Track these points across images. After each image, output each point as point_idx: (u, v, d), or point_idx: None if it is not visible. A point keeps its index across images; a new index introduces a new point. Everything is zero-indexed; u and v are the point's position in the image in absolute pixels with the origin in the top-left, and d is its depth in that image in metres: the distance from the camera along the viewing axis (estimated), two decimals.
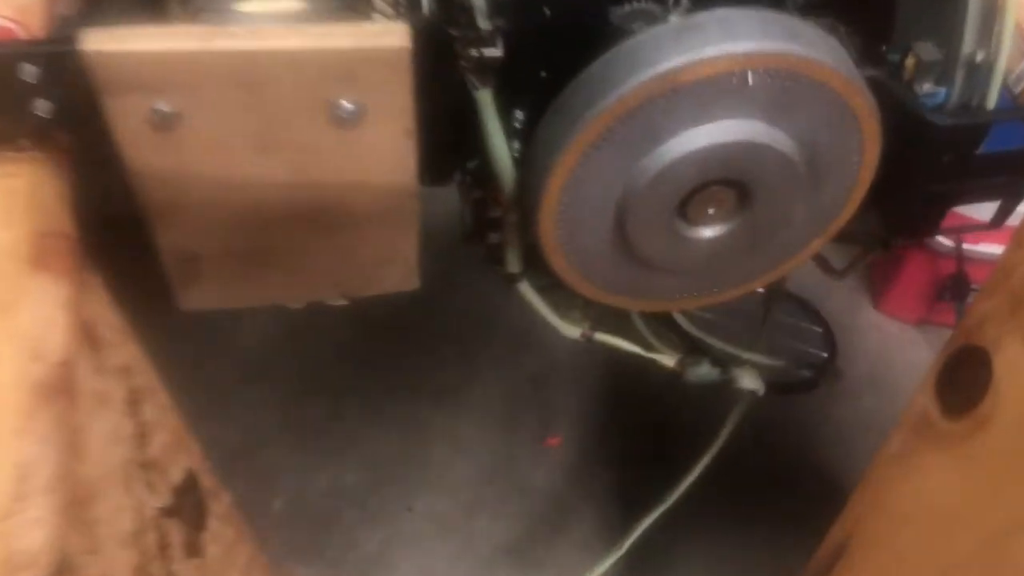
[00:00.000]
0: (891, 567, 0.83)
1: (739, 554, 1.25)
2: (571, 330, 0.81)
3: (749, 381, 0.90)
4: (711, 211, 0.66)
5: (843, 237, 0.96)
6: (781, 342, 1.48)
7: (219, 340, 1.41)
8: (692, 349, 0.87)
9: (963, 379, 0.75)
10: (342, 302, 0.68)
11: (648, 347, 0.85)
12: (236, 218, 0.61)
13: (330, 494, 1.28)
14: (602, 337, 0.82)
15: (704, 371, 0.85)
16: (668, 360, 0.85)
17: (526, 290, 0.78)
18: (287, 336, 1.44)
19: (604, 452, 1.36)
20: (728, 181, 0.64)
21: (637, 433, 1.37)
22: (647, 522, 1.07)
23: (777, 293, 1.00)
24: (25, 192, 0.52)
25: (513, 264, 0.75)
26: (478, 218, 0.71)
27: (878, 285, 1.56)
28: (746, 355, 0.95)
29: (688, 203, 0.65)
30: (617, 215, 0.65)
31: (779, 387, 1.48)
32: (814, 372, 1.47)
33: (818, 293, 1.58)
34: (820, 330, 1.51)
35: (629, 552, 1.22)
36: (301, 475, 1.29)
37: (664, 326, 0.93)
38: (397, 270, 0.66)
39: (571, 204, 0.63)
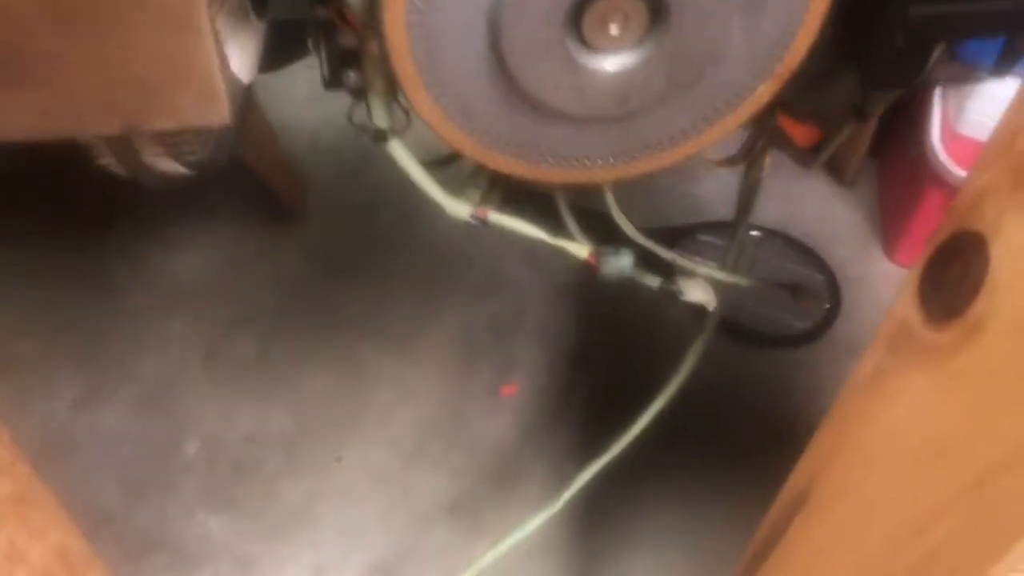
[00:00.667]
0: (859, 517, 0.67)
1: (694, 516, 1.10)
2: (459, 208, 0.67)
3: (698, 293, 0.74)
4: (614, 30, 0.51)
5: (810, 114, 0.80)
6: (778, 291, 1.32)
7: (149, 268, 1.29)
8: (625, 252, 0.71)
9: (952, 277, 0.58)
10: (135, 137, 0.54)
11: (560, 236, 0.70)
12: None
13: (252, 439, 1.14)
14: (498, 219, 0.67)
15: (624, 263, 0.69)
16: (580, 250, 0.70)
17: (398, 151, 0.63)
18: (225, 267, 1.31)
19: (564, 407, 1.20)
20: None
21: (602, 390, 1.22)
22: (587, 475, 0.92)
23: (749, 194, 0.84)
24: None
25: (379, 114, 0.60)
26: (330, 52, 0.56)
27: (890, 232, 1.39)
28: (701, 269, 0.79)
29: (582, 16, 0.50)
30: (489, 28, 0.49)
31: (772, 340, 1.32)
32: (813, 325, 1.31)
33: (824, 241, 1.42)
34: (823, 278, 1.35)
35: (578, 509, 1.07)
36: (221, 417, 1.15)
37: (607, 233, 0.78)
38: (191, 94, 0.52)
39: (425, 9, 0.48)
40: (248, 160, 1.24)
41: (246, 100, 0.72)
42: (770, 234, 1.42)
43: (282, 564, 1.05)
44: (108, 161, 0.61)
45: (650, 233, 0.79)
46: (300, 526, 1.08)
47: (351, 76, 0.59)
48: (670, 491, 1.12)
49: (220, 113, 0.54)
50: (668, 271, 0.82)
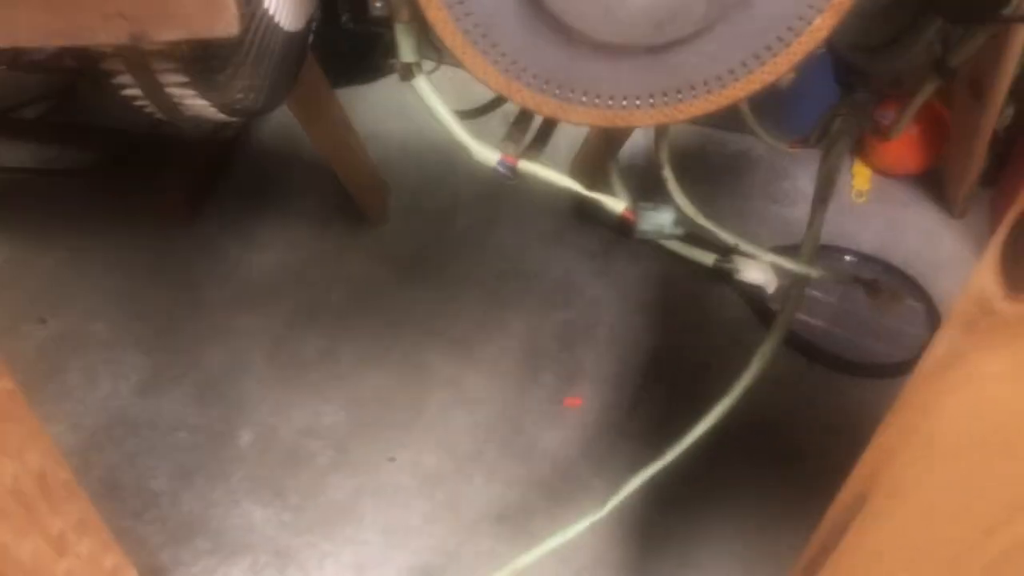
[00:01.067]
0: (921, 518, 0.59)
1: (754, 533, 1.01)
2: (488, 154, 0.63)
3: (755, 273, 0.68)
4: None
5: (889, 78, 0.73)
6: (877, 320, 1.22)
7: (226, 263, 1.30)
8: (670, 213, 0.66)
9: None
10: (135, 45, 0.52)
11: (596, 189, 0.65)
12: None
13: (306, 433, 1.12)
14: (528, 167, 0.63)
15: (663, 220, 0.64)
16: (617, 204, 0.65)
17: (424, 87, 0.60)
18: (299, 266, 1.31)
19: (629, 423, 1.14)
20: None
21: (670, 407, 1.15)
22: (636, 482, 0.86)
23: (827, 182, 0.77)
24: None
25: (405, 47, 0.58)
26: None
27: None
28: (766, 254, 0.73)
29: None
30: None
31: (863, 368, 1.22)
32: (910, 355, 1.20)
33: (927, 271, 1.31)
34: (922, 307, 1.24)
35: (633, 527, 1.00)
36: (278, 410, 1.14)
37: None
38: (200, 1, 0.50)
39: None
40: (331, 164, 1.25)
41: (295, 51, 0.71)
42: (868, 259, 1.33)
43: (322, 560, 1.02)
44: (134, 92, 0.60)
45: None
46: (344, 523, 1.05)
47: (377, 5, 0.56)
48: (729, 509, 1.04)
49: (228, 24, 0.52)
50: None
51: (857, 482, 0.67)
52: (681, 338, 1.24)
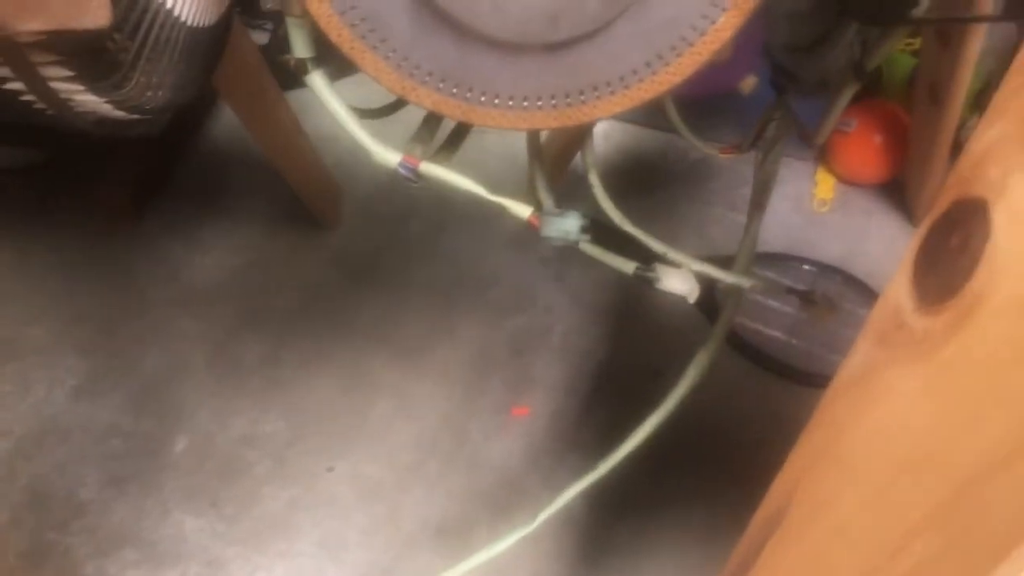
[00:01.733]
0: (833, 538, 0.56)
1: (687, 543, 0.99)
2: (388, 156, 0.60)
3: (676, 283, 0.65)
4: None
5: (814, 82, 0.71)
6: (829, 329, 1.20)
7: (169, 266, 1.27)
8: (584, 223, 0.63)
9: (950, 252, 0.49)
10: None
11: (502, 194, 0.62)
12: None
13: (243, 441, 1.09)
14: (431, 169, 0.61)
15: (567, 227, 0.61)
16: (522, 210, 0.62)
17: (319, 84, 0.57)
18: (245, 269, 1.28)
19: (579, 433, 1.11)
20: None
21: (621, 416, 1.11)
22: (567, 496, 0.83)
23: (763, 188, 0.75)
24: None
25: (298, 41, 0.55)
26: None
27: None
28: (695, 264, 0.70)
29: None
30: None
31: (819, 379, 1.20)
32: None
33: (888, 281, 1.29)
34: None
35: (570, 538, 0.97)
36: (216, 417, 1.11)
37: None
38: None
39: None
40: (279, 167, 1.22)
41: (203, 46, 0.69)
42: (827, 270, 1.31)
43: (253, 572, 0.99)
44: (17, 87, 0.58)
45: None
46: (279, 535, 1.02)
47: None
48: (676, 521, 1.01)
49: (96, 15, 0.50)
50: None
51: (776, 496, 0.64)
52: (635, 345, 1.21)
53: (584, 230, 0.62)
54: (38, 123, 0.66)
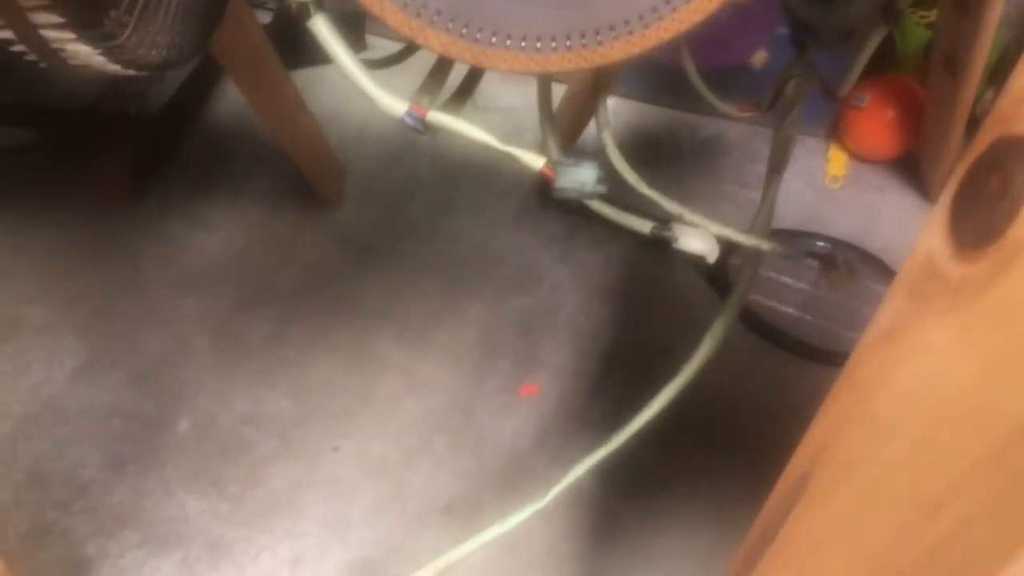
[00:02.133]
0: (863, 501, 0.54)
1: (696, 521, 0.96)
2: (395, 105, 0.58)
3: (695, 242, 0.63)
4: None
5: (838, 32, 0.69)
6: (849, 307, 1.18)
7: (171, 245, 1.25)
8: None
9: (989, 196, 0.46)
10: None
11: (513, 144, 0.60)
12: None
13: (247, 420, 1.07)
14: (439, 118, 0.58)
15: (584, 177, 0.59)
16: (535, 160, 0.60)
17: (321, 29, 0.55)
18: (249, 248, 1.25)
19: (588, 412, 1.09)
20: None
21: (631, 395, 1.09)
22: (579, 470, 0.81)
23: (782, 150, 0.72)
24: None
25: None
26: None
27: None
28: (713, 225, 0.68)
29: None
30: None
31: (834, 356, 1.17)
32: None
33: (903, 258, 1.26)
34: None
35: (586, 517, 0.95)
36: (219, 396, 1.09)
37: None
38: None
39: None
40: (283, 145, 1.20)
41: (211, 2, 0.66)
42: (840, 246, 1.28)
43: (258, 553, 0.97)
44: (6, 35, 0.55)
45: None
46: (283, 515, 1.00)
47: None
48: (685, 498, 0.99)
49: None
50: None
51: (800, 463, 0.61)
52: (643, 323, 1.19)
53: (600, 181, 0.59)
54: (31, 80, 0.64)
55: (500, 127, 1.27)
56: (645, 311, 1.19)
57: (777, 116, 0.78)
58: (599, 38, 0.51)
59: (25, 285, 1.19)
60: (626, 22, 0.50)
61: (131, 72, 0.62)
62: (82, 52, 0.58)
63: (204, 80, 1.40)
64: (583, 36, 0.51)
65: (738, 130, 1.44)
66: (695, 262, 0.68)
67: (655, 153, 1.41)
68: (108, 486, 1.01)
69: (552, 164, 0.59)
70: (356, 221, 1.30)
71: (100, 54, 0.58)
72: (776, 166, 0.77)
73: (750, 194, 1.35)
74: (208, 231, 1.27)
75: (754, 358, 1.13)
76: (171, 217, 1.27)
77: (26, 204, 1.26)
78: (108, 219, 1.26)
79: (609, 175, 0.70)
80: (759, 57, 1.02)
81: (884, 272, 1.22)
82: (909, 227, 1.31)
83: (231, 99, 1.41)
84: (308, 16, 0.55)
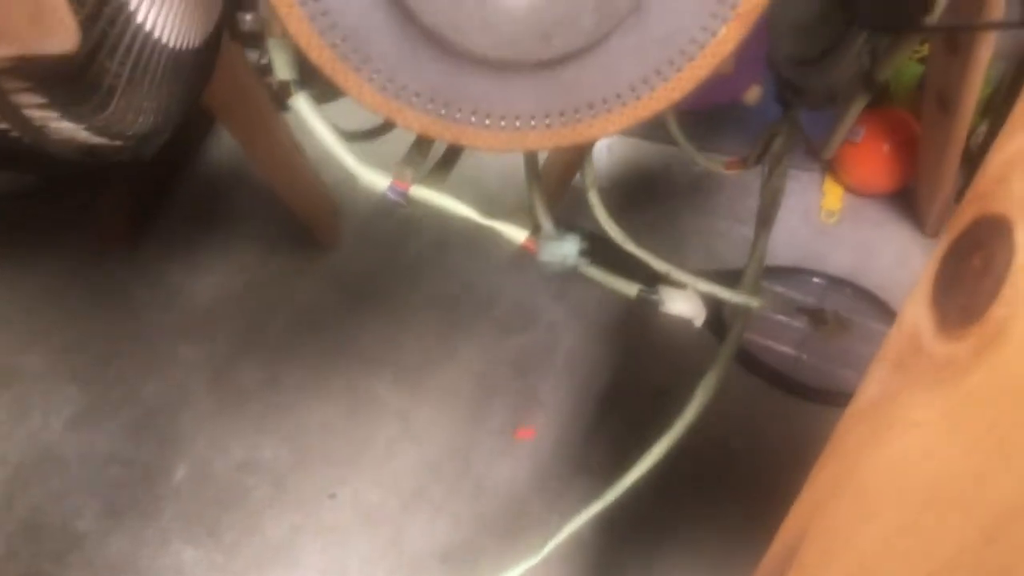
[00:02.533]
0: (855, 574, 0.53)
1: (699, 571, 0.96)
2: (376, 179, 0.58)
3: (681, 305, 0.63)
4: None
5: (822, 95, 0.69)
6: (841, 345, 1.17)
7: (167, 290, 1.25)
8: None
9: (971, 273, 0.46)
10: None
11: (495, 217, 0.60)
12: None
13: (242, 468, 1.07)
14: (422, 193, 0.58)
15: (566, 251, 0.59)
16: (517, 233, 0.60)
17: (303, 107, 0.55)
18: (244, 292, 1.26)
19: (586, 455, 1.09)
20: None
21: (629, 437, 1.09)
22: (572, 527, 0.81)
23: (769, 205, 0.72)
24: None
25: (280, 63, 0.53)
26: None
27: None
28: (701, 284, 0.68)
29: None
30: None
31: (832, 397, 1.17)
32: None
33: (901, 294, 1.26)
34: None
35: (585, 558, 0.95)
36: (215, 443, 1.09)
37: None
38: (24, 10, 0.45)
39: None
40: (277, 187, 1.21)
41: (188, 69, 0.67)
42: (837, 282, 1.28)
43: None
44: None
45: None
46: (279, 564, 1.00)
47: (247, 19, 0.52)
48: (687, 547, 0.98)
49: (63, 38, 0.48)
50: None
51: (789, 533, 0.61)
52: (641, 364, 1.19)
53: (583, 253, 0.60)
54: (21, 151, 0.64)
55: (498, 167, 1.28)
56: (642, 351, 1.19)
57: (765, 170, 0.78)
58: (578, 116, 0.51)
59: (22, 332, 1.19)
60: (604, 100, 0.50)
61: (118, 143, 0.63)
62: (67, 128, 0.58)
63: (200, 123, 1.41)
64: (562, 115, 0.51)
65: None
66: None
67: (650, 190, 1.41)
68: (104, 536, 1.01)
69: (534, 238, 0.59)
70: (352, 263, 1.30)
71: (85, 129, 0.59)
72: (765, 218, 0.77)
73: (744, 230, 1.35)
74: (204, 275, 1.27)
75: (752, 399, 1.13)
76: (168, 261, 1.28)
77: (23, 250, 1.27)
78: (105, 264, 1.26)
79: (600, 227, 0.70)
80: (753, 93, 1.02)
81: (881, 310, 1.21)
82: (907, 262, 1.31)
83: (227, 142, 1.42)
84: (289, 95, 0.55)
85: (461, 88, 0.50)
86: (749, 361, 1.15)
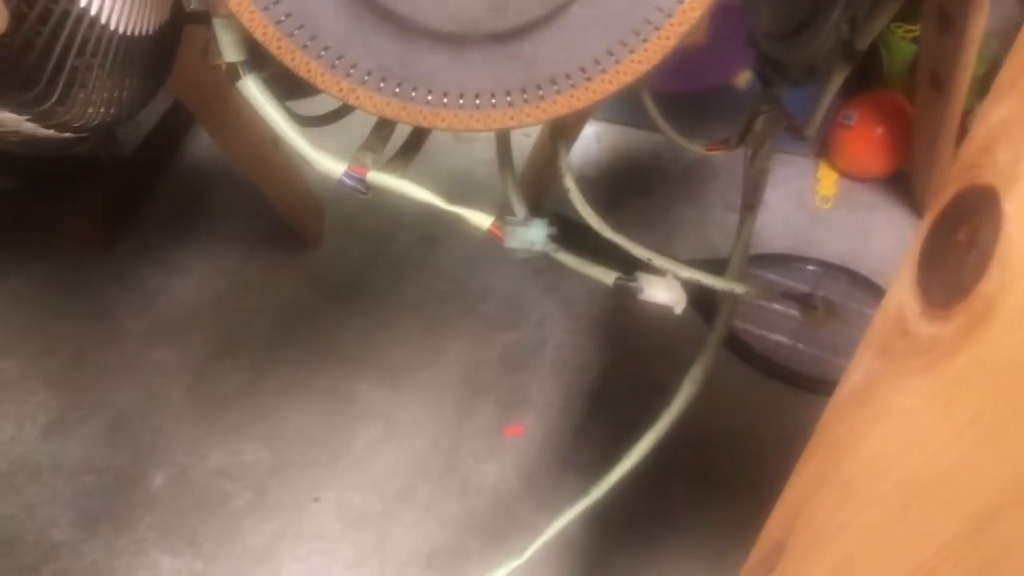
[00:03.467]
0: (845, 569, 0.51)
1: (691, 565, 0.93)
2: (332, 165, 0.55)
3: (661, 292, 0.60)
4: None
5: (802, 69, 0.66)
6: (836, 332, 1.14)
7: (144, 293, 1.22)
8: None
9: (957, 248, 0.43)
10: None
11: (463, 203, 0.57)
12: None
13: (223, 473, 1.04)
14: (380, 179, 0.55)
15: (532, 236, 0.56)
16: (481, 219, 0.57)
17: (252, 91, 0.52)
18: (224, 293, 1.23)
19: (576, 452, 1.05)
20: None
21: (620, 433, 1.05)
22: (558, 525, 0.78)
23: (754, 188, 0.69)
24: None
25: (227, 44, 0.50)
26: None
27: None
28: (684, 270, 0.64)
29: None
30: None
31: (827, 385, 1.13)
32: None
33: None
34: None
35: (575, 555, 0.92)
36: (193, 449, 1.06)
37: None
38: None
39: None
40: (258, 184, 1.17)
41: (142, 56, 0.64)
42: (832, 269, 1.25)
43: None
44: None
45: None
46: (261, 573, 0.96)
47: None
48: (679, 541, 0.95)
49: None
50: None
51: (774, 530, 0.58)
52: (632, 356, 1.15)
53: (553, 238, 0.56)
54: None
55: (488, 157, 1.24)
56: (633, 343, 1.16)
57: (748, 151, 0.75)
58: (540, 92, 0.48)
59: None
60: (567, 75, 0.47)
61: (68, 135, 0.59)
62: (9, 120, 0.55)
63: (178, 121, 1.37)
64: (524, 92, 0.48)
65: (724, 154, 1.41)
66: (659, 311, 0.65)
67: (641, 178, 1.38)
68: (79, 547, 0.98)
69: (500, 224, 0.56)
70: (336, 260, 1.27)
71: (28, 120, 0.55)
72: (750, 202, 0.74)
73: (737, 218, 1.32)
74: (183, 276, 1.24)
75: (746, 389, 1.10)
76: (144, 263, 1.25)
77: None
78: (80, 267, 1.23)
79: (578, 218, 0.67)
80: (743, 77, 0.99)
81: (877, 295, 1.18)
82: (902, 247, 1.27)
83: (207, 139, 1.39)
84: (238, 77, 0.52)
85: (415, 65, 0.46)
86: (744, 351, 1.12)
